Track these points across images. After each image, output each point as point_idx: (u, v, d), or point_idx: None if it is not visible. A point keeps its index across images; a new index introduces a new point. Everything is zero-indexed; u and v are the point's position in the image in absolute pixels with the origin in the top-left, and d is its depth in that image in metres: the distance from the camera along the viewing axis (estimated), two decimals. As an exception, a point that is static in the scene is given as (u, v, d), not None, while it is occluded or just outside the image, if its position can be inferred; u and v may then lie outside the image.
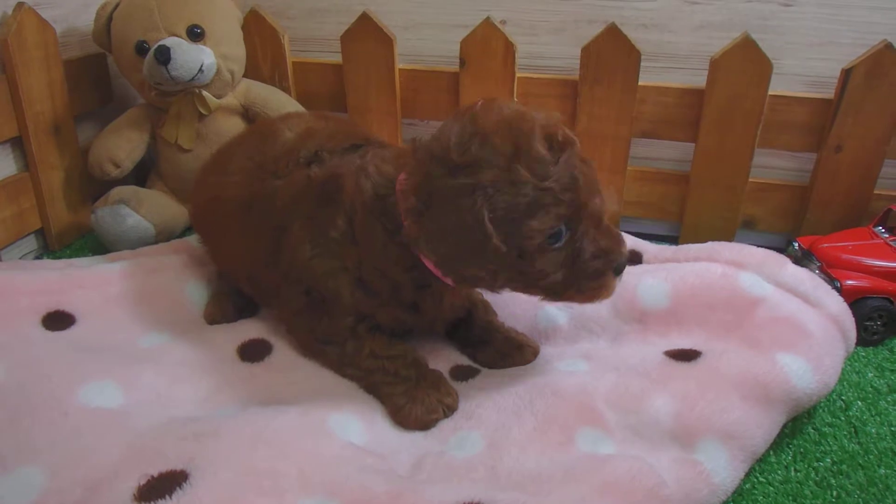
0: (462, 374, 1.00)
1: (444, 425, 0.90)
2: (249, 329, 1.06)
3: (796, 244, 1.25)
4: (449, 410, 0.92)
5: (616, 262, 0.87)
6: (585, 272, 0.85)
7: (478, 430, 0.88)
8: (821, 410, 0.97)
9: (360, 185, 0.90)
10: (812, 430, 0.94)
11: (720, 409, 0.85)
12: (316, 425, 0.85)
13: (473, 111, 0.83)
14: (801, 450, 0.91)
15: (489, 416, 0.90)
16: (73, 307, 1.08)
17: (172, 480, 0.73)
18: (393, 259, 0.89)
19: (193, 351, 1.01)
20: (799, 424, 0.95)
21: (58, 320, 1.06)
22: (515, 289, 0.89)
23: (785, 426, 0.91)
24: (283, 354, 1.01)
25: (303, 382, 0.95)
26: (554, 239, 0.82)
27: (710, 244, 1.13)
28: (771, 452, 0.89)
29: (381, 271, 0.91)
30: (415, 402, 0.90)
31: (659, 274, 1.07)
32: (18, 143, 1.37)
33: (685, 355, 0.95)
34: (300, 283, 0.97)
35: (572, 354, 1.02)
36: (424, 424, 0.90)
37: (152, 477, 0.73)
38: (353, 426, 0.87)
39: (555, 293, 0.88)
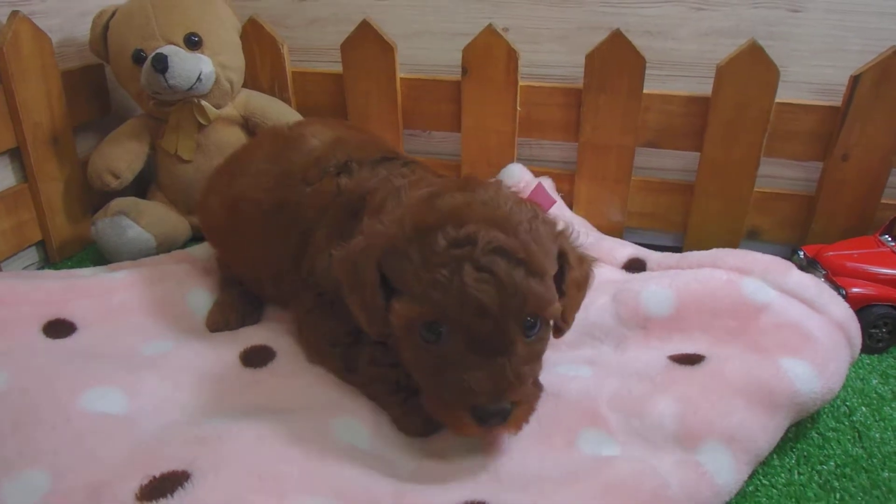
0: (465, 380, 1.03)
1: (447, 430, 0.93)
2: (252, 336, 1.10)
3: (801, 253, 1.28)
4: None
5: (472, 403, 0.78)
6: (440, 393, 0.82)
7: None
8: (825, 415, 1.01)
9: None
10: (816, 435, 0.97)
11: (723, 412, 0.89)
12: (319, 429, 0.88)
13: (457, 183, 0.88)
14: (805, 453, 0.94)
15: None
16: (74, 316, 1.12)
17: (174, 480, 0.75)
18: None
19: (196, 357, 1.04)
20: (803, 429, 0.98)
21: (59, 329, 1.09)
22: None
23: (789, 430, 0.94)
24: (287, 360, 1.05)
25: (306, 388, 0.98)
26: (423, 332, 0.81)
27: (714, 251, 1.17)
28: (774, 456, 0.93)
29: None
30: (415, 412, 0.93)
31: (662, 281, 1.11)
32: (17, 155, 1.39)
33: (689, 359, 0.99)
34: (316, 286, 1.02)
35: (576, 360, 1.05)
36: (425, 433, 0.93)
37: (154, 478, 0.76)
38: (357, 430, 0.91)
39: (423, 397, 0.87)
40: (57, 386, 0.92)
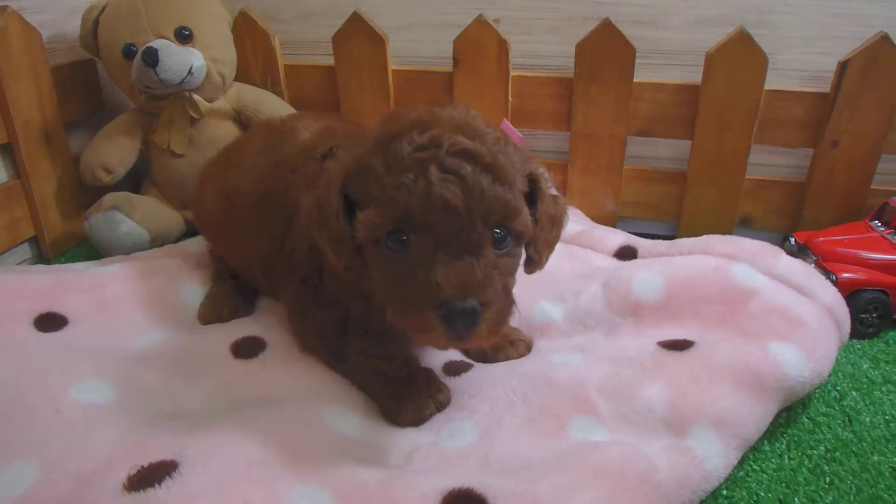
0: (455, 369, 1.03)
1: (437, 417, 0.94)
2: (243, 327, 1.09)
3: (792, 239, 1.28)
4: (441, 406, 0.95)
5: (440, 299, 0.74)
6: (406, 299, 0.78)
7: (470, 420, 0.91)
8: (815, 400, 1.01)
9: None
10: (806, 420, 0.98)
11: (712, 397, 0.89)
12: (310, 418, 0.88)
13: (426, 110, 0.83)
14: (795, 438, 0.94)
15: (482, 407, 0.93)
16: (66, 309, 1.12)
17: (162, 470, 0.75)
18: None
19: (187, 349, 1.05)
20: (793, 414, 0.98)
21: (50, 322, 1.10)
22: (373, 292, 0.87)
23: (779, 416, 0.95)
24: (278, 351, 1.04)
25: (297, 378, 0.98)
26: (388, 242, 0.78)
27: (704, 238, 1.17)
28: (765, 441, 0.93)
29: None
30: (405, 402, 0.93)
31: (653, 268, 1.11)
32: (9, 151, 1.39)
33: (678, 345, 0.99)
34: (299, 270, 1.01)
35: (567, 348, 1.05)
36: (416, 422, 0.93)
37: (143, 467, 0.76)
38: (348, 419, 0.91)
39: (390, 311, 0.81)
40: (47, 378, 0.92)
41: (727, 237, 1.15)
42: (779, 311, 1.01)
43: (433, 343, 0.79)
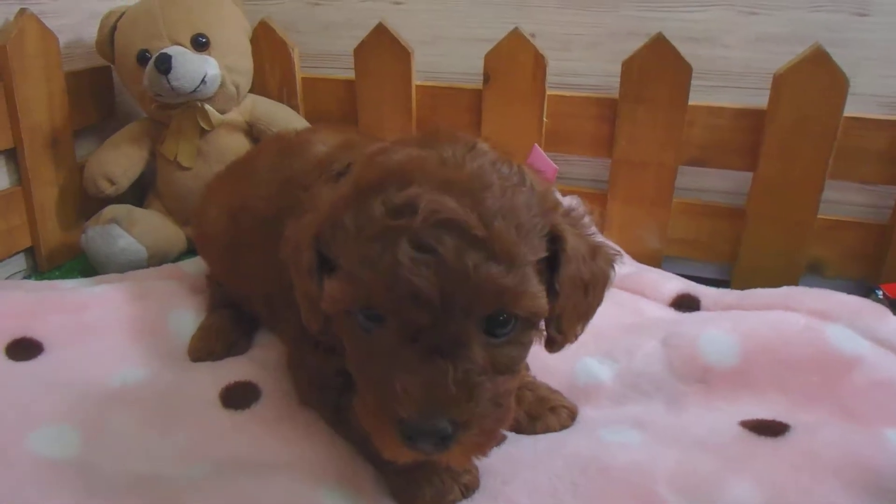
0: (484, 441, 0.82)
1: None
2: (237, 369, 0.94)
3: (880, 292, 1.08)
4: (467, 491, 0.74)
5: (398, 417, 0.58)
6: (367, 400, 0.62)
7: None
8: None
9: None
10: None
11: (819, 500, 0.69)
12: (304, 495, 0.72)
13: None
14: (915, 552, 0.72)
15: (520, 498, 0.72)
16: (42, 334, 0.99)
17: None
18: None
19: (170, 392, 0.90)
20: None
21: (23, 349, 0.97)
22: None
23: (895, 522, 0.74)
24: (273, 402, 0.88)
25: (293, 441, 0.81)
26: (360, 315, 0.62)
27: (785, 289, 0.99)
28: (879, 555, 0.72)
29: None
30: (422, 482, 0.73)
31: (724, 324, 0.92)
32: (13, 156, 1.30)
33: (769, 428, 0.78)
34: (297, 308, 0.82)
35: (620, 420, 0.84)
36: None
37: None
38: (351, 501, 0.73)
39: (356, 399, 0.66)
40: (5, 421, 0.81)
41: (816, 290, 0.97)
42: (890, 385, 0.81)
43: (395, 458, 0.62)
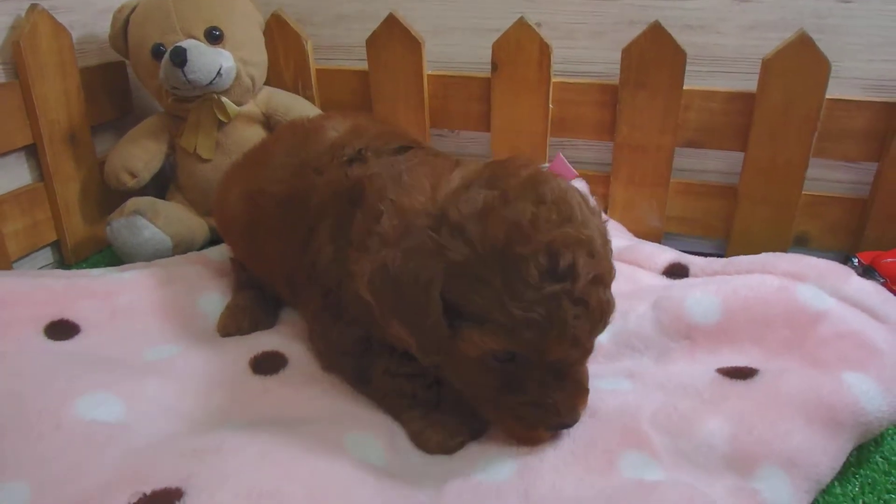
0: (492, 393, 0.94)
1: (472, 446, 0.84)
2: (264, 341, 1.01)
3: (856, 260, 1.18)
4: (475, 434, 0.85)
5: (556, 423, 0.78)
6: (518, 412, 0.77)
7: (508, 451, 0.81)
8: (889, 438, 0.89)
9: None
10: (881, 460, 0.86)
11: (782, 433, 0.78)
12: (330, 444, 0.79)
13: (512, 182, 0.74)
14: (870, 480, 0.82)
15: None
16: (79, 317, 1.05)
17: (165, 499, 0.67)
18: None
19: (203, 363, 0.97)
20: (866, 453, 0.86)
21: (61, 330, 1.03)
22: (446, 375, 0.84)
23: (850, 455, 0.83)
24: (299, 368, 0.96)
25: (319, 398, 0.90)
26: (499, 354, 0.74)
27: (763, 255, 1.06)
28: (836, 483, 0.81)
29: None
30: (435, 426, 0.84)
31: (708, 287, 1.00)
32: (33, 152, 1.35)
33: (741, 373, 0.88)
34: (319, 284, 0.92)
35: (614, 373, 0.94)
36: (447, 450, 0.83)
37: (144, 495, 0.68)
38: (372, 446, 0.81)
39: (481, 407, 0.82)
40: (51, 391, 0.85)
41: (790, 255, 1.05)
42: (851, 336, 0.90)
43: (533, 444, 0.81)
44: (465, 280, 0.71)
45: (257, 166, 1.11)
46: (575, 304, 0.70)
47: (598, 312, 0.72)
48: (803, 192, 1.32)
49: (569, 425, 0.78)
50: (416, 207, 0.77)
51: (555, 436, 0.80)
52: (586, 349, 0.76)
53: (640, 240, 1.33)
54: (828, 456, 0.77)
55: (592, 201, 0.79)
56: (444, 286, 0.72)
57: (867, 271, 1.13)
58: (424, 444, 0.84)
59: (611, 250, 0.78)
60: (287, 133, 1.16)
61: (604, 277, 0.73)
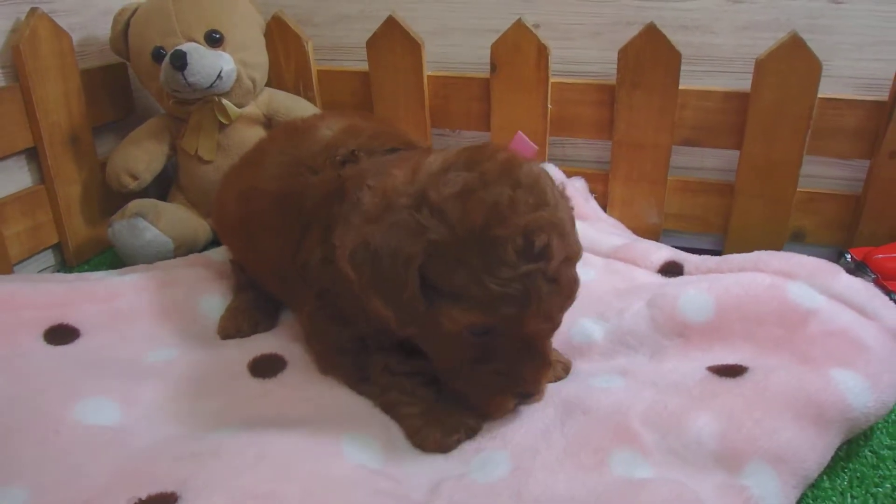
0: (488, 391, 0.96)
1: (467, 445, 0.86)
2: (263, 344, 1.03)
3: (848, 256, 1.20)
4: (471, 432, 0.87)
5: (520, 391, 0.84)
6: (486, 380, 0.83)
7: (503, 451, 0.83)
8: (878, 432, 0.91)
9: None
10: (869, 454, 0.88)
11: (770, 430, 0.80)
12: (326, 445, 0.81)
13: (489, 165, 0.78)
14: (858, 474, 0.85)
15: (515, 436, 0.85)
16: (79, 321, 1.06)
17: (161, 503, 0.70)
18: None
19: (202, 366, 0.99)
20: (855, 447, 0.89)
21: (61, 334, 1.04)
22: (420, 346, 0.88)
23: (839, 449, 0.85)
24: (298, 370, 0.98)
25: (316, 399, 0.91)
26: (474, 329, 0.79)
27: (756, 254, 1.08)
28: (825, 477, 0.84)
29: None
30: (433, 424, 0.86)
31: (701, 285, 1.02)
32: (34, 155, 1.36)
33: (730, 371, 0.90)
34: (313, 285, 0.94)
35: (609, 370, 0.97)
36: (444, 447, 0.85)
37: (140, 500, 0.70)
38: (368, 447, 0.83)
39: (450, 378, 0.86)
40: (49, 395, 0.88)
41: (782, 253, 1.07)
42: (840, 334, 0.92)
43: (500, 415, 0.88)
44: (444, 259, 0.75)
45: (252, 166, 1.12)
46: (548, 281, 0.75)
47: (568, 289, 0.78)
48: (798, 189, 1.34)
49: (532, 394, 0.84)
50: (396, 187, 0.79)
51: (518, 405, 0.87)
52: (556, 323, 0.81)
53: (637, 237, 1.35)
54: (816, 452, 0.79)
55: (560, 180, 0.86)
56: (422, 264, 0.76)
57: (859, 267, 1.15)
58: (422, 441, 0.86)
59: (577, 231, 0.82)
60: (281, 133, 1.18)
61: (573, 258, 0.79)
